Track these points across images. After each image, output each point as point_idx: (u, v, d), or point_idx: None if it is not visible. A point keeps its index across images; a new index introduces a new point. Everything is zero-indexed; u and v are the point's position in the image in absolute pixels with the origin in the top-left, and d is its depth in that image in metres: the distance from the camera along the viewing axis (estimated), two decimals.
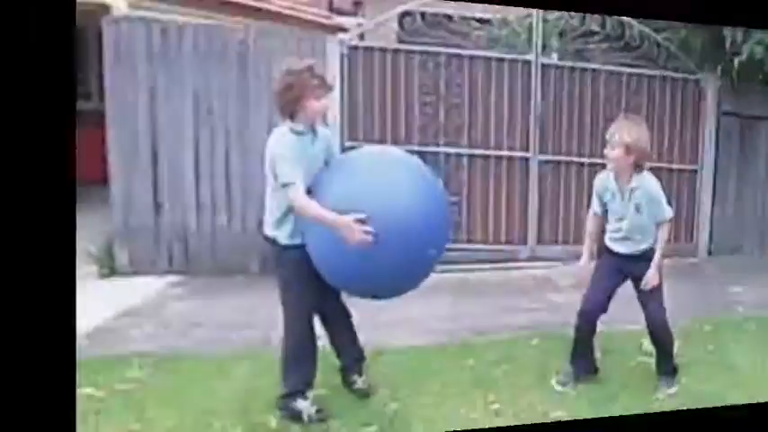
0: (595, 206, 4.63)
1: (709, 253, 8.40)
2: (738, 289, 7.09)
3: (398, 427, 4.18)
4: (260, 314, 5.78)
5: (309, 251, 3.89)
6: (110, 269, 6.71)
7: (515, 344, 5.51)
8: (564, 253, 7.72)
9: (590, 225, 4.69)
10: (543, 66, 7.66)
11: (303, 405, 4.07)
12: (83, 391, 4.28)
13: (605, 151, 4.40)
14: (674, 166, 8.16)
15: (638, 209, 4.45)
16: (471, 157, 7.55)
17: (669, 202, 4.56)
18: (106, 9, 6.79)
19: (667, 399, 4.62)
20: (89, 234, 6.97)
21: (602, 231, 4.67)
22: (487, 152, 7.59)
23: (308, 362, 4.10)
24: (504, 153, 7.61)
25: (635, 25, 7.81)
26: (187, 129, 6.79)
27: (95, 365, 4.74)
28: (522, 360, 5.19)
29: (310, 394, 4.13)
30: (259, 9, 9.91)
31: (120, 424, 4.10)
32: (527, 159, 7.69)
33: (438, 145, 7.41)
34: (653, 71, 8.01)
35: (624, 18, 7.72)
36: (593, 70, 7.84)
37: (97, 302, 6.04)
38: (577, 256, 4.73)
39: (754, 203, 8.58)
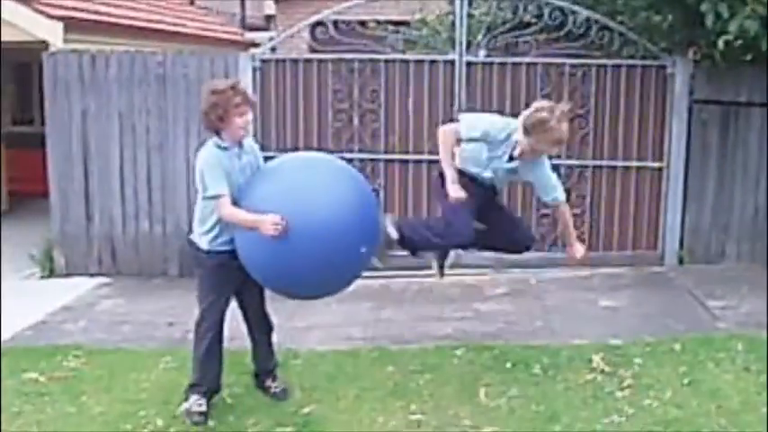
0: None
1: (680, 261, 7.41)
2: (718, 303, 6.26)
3: (313, 430, 4.41)
4: (179, 313, 6.28)
5: (240, 254, 4.29)
6: (50, 271, 7.66)
7: (439, 353, 5.46)
8: (493, 260, 7.33)
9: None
10: (468, 64, 7.37)
11: (191, 401, 4.41)
12: (29, 375, 5.18)
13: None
14: (634, 164, 7.38)
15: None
16: (387, 161, 7.48)
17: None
18: (46, 46, 7.78)
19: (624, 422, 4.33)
20: (33, 240, 8.02)
21: None
22: (406, 156, 7.47)
23: (214, 362, 4.47)
24: (425, 157, 7.41)
25: (581, 12, 7.23)
26: (114, 146, 7.57)
27: (39, 354, 5.60)
28: (446, 370, 5.12)
29: (207, 394, 4.47)
30: (176, 33, 10.55)
31: (60, 406, 4.80)
32: None
33: (352, 151, 7.45)
34: (602, 60, 7.33)
35: (566, 4, 7.20)
36: (528, 64, 7.37)
37: (39, 299, 6.99)
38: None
39: (742, 203, 7.43)
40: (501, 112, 7.26)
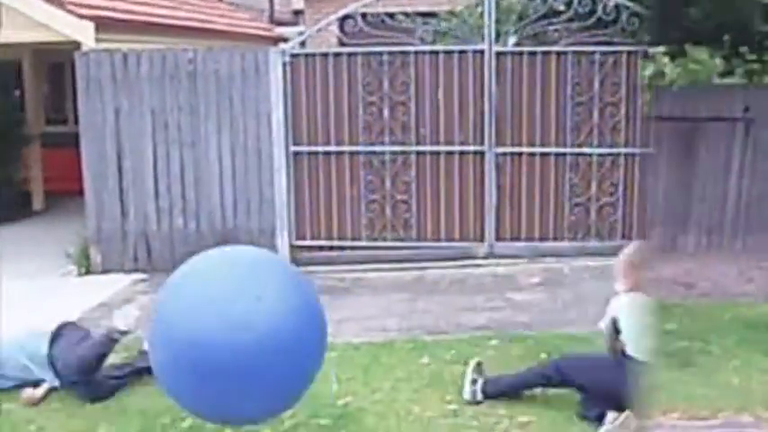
0: None
1: None
2: None
3: (350, 421, 4.51)
4: None
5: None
6: (86, 268, 7.83)
7: (473, 343, 5.56)
8: (526, 250, 7.39)
9: None
10: (498, 54, 7.44)
11: None
12: None
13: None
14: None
15: None
16: (419, 153, 7.56)
17: None
18: (78, 46, 7.94)
19: None
20: (69, 238, 8.20)
21: None
22: (437, 148, 7.55)
23: None
24: (456, 148, 7.50)
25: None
26: (147, 143, 7.72)
27: None
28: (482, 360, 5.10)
29: None
30: (205, 29, 10.68)
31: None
32: (482, 153, 7.50)
33: (383, 143, 7.54)
34: (632, 47, 7.35)
35: None
36: (558, 53, 7.40)
37: (76, 297, 7.17)
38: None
39: None
40: (531, 102, 7.41)
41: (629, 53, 7.36)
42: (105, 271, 7.80)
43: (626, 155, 7.43)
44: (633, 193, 7.48)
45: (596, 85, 7.31)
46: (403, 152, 7.57)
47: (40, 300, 6.91)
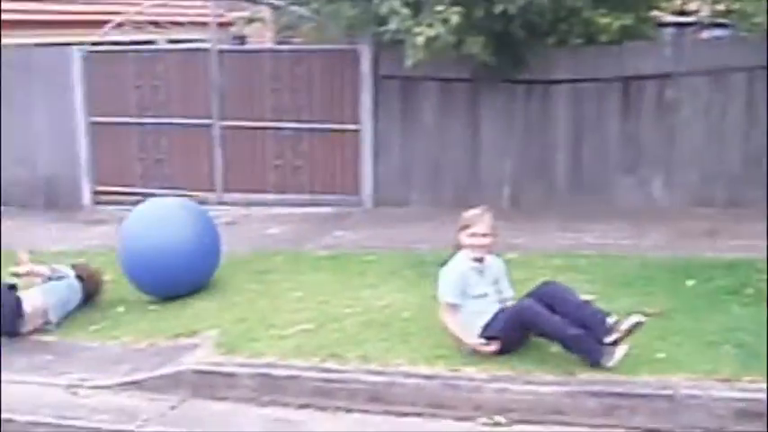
0: (455, 295, 5.45)
1: (375, 205, 10.28)
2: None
3: None
4: None
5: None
6: None
7: None
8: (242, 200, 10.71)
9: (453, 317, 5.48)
10: (219, 51, 10.71)
11: None
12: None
13: (466, 239, 5.51)
14: (337, 126, 10.28)
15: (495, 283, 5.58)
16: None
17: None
18: None
19: None
20: None
21: None
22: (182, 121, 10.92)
23: None
24: (193, 121, 10.83)
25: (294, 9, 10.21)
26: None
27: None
28: None
29: None
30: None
31: None
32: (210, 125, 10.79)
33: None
34: (311, 47, 10.26)
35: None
36: (259, 51, 10.53)
37: None
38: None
39: (423, 159, 10.10)
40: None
41: (309, 51, 10.35)
42: None
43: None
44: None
45: (287, 77, 10.36)
46: (159, 124, 10.96)
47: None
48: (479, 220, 5.46)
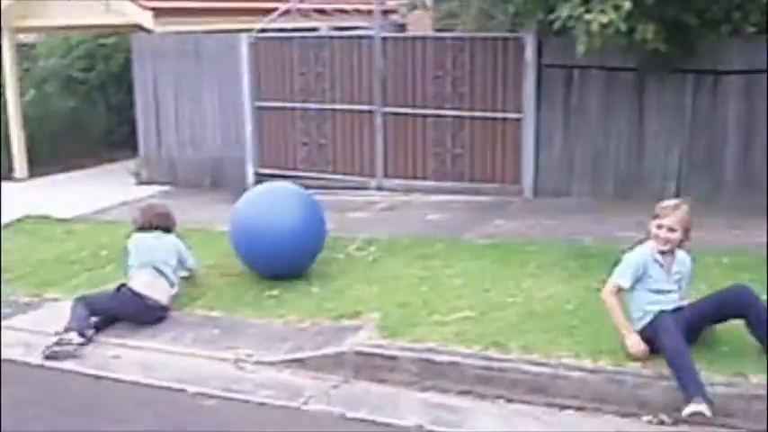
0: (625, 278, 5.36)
1: (535, 194, 10.16)
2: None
3: None
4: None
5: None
6: (139, 180, 12.43)
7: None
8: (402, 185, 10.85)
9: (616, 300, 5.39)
10: (383, 39, 10.81)
11: None
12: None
13: (654, 229, 5.34)
14: (498, 115, 10.21)
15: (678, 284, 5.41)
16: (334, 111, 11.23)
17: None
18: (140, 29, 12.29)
19: None
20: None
21: None
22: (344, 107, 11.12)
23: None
24: (356, 107, 11.00)
25: None
26: (169, 98, 12.06)
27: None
28: None
29: None
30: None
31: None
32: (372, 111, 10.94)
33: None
34: (473, 34, 10.24)
35: None
36: (423, 38, 10.58)
37: (129, 195, 11.69)
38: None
39: (585, 149, 9.91)
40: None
41: (471, 39, 10.32)
42: (149, 183, 12.35)
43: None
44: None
45: (448, 65, 10.39)
46: (322, 109, 11.19)
47: (113, 195, 11.45)
48: (669, 212, 5.28)
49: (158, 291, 6.71)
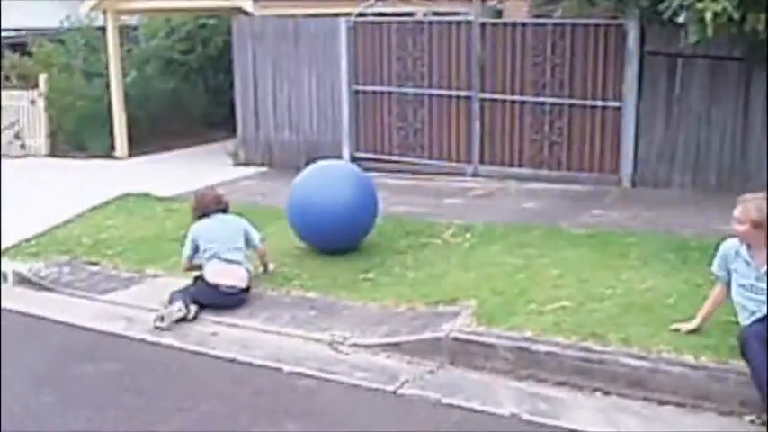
0: (715, 266, 5.31)
1: (633, 185, 9.98)
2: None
3: None
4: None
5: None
6: (236, 161, 12.66)
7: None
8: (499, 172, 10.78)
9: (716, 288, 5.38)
10: (481, 24, 10.75)
11: None
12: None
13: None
14: (598, 103, 10.04)
15: None
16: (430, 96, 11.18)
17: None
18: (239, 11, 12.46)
19: None
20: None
21: None
22: (441, 92, 11.05)
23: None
24: (453, 92, 10.95)
25: None
26: (268, 80, 12.26)
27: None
28: None
29: None
30: None
31: None
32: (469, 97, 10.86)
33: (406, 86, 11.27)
34: (574, 20, 10.10)
35: None
36: (522, 24, 10.43)
37: (227, 175, 12.09)
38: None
39: (687, 139, 9.68)
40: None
41: (572, 25, 10.17)
42: (246, 164, 12.61)
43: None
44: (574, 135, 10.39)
45: (548, 50, 10.26)
46: (419, 94, 11.20)
47: (211, 175, 11.52)
48: (739, 203, 5.10)
49: (232, 276, 6.79)
